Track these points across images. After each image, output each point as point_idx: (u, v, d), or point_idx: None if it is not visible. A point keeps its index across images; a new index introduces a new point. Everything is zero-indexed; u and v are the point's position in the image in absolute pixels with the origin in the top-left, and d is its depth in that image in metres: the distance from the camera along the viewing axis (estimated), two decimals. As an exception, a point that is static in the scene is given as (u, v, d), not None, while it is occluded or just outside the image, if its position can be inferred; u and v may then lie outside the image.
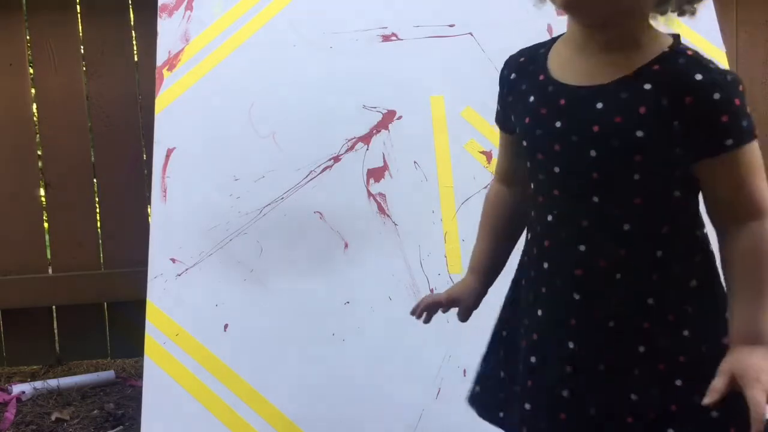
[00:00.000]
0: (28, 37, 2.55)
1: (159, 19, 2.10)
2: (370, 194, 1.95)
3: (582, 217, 1.06)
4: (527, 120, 1.10)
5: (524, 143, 1.11)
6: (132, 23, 2.59)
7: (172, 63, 2.05)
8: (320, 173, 1.95)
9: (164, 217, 1.89)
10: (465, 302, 1.24)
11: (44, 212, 2.62)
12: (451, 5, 2.13)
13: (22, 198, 2.56)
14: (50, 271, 2.60)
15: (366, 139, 1.99)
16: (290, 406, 1.72)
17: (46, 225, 2.62)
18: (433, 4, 2.14)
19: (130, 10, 2.59)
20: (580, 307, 1.06)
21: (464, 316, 1.25)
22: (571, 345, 1.07)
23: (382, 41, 2.09)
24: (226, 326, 1.79)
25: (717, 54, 2.22)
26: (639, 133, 1.00)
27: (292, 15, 2.11)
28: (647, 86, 1.01)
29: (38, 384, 2.36)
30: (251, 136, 1.98)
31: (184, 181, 1.93)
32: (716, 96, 0.98)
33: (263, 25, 2.10)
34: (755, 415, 0.90)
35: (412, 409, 1.72)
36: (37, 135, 2.59)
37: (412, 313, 1.24)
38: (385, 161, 1.97)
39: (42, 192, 2.60)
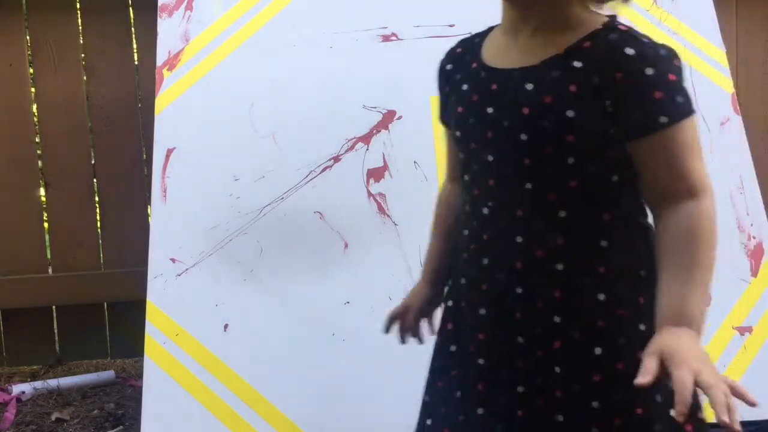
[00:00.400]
0: (28, 37, 2.55)
1: (159, 19, 2.10)
2: (370, 194, 1.95)
3: (518, 206, 1.01)
4: (460, 109, 1.06)
5: (458, 134, 1.08)
6: (132, 23, 2.59)
7: (172, 63, 2.05)
8: (320, 173, 1.95)
9: (164, 217, 1.89)
10: (413, 308, 1.19)
11: (44, 212, 2.62)
12: (451, 5, 2.13)
13: (22, 198, 2.56)
14: (50, 271, 2.60)
15: (366, 139, 1.99)
16: (290, 406, 1.72)
17: (46, 225, 2.62)
18: (433, 4, 2.14)
19: (130, 10, 2.59)
20: (524, 301, 1.01)
21: (412, 322, 1.19)
22: (520, 340, 1.02)
23: (382, 41, 2.09)
24: (226, 326, 1.79)
25: (717, 54, 2.22)
26: (570, 113, 0.95)
27: (292, 15, 2.11)
28: (577, 64, 0.96)
29: (38, 384, 2.36)
30: (251, 136, 1.98)
31: (184, 181, 1.93)
32: (648, 71, 0.93)
33: (263, 25, 2.11)
34: (680, 398, 0.87)
35: (412, 408, 1.72)
36: (37, 135, 2.59)
37: (385, 332, 1.20)
38: (385, 161, 1.97)
39: (42, 192, 2.60)
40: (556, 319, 1.00)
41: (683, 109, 0.94)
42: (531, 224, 1.00)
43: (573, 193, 0.98)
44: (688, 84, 0.96)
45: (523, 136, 0.99)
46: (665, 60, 0.94)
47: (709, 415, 1.93)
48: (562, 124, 0.96)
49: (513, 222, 1.02)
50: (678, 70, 0.95)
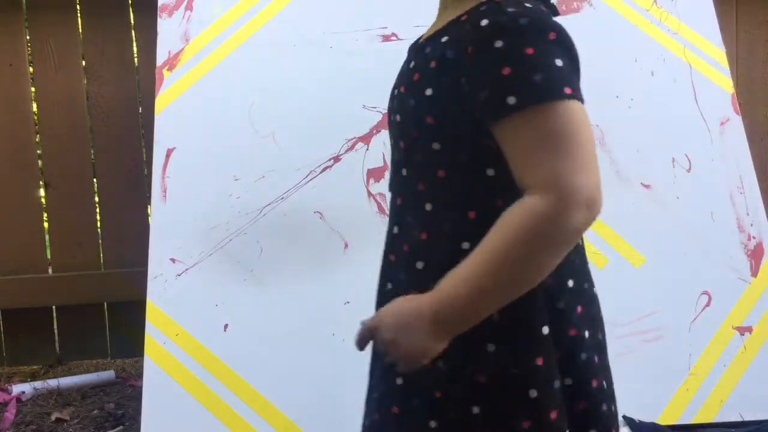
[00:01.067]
0: (28, 37, 2.55)
1: (159, 19, 2.10)
2: (370, 194, 1.95)
3: (397, 195, 0.94)
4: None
5: None
6: (132, 23, 2.59)
7: (172, 63, 2.05)
8: (320, 173, 1.95)
9: (164, 217, 1.89)
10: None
11: (44, 212, 2.62)
12: (451, 5, 2.13)
13: (22, 198, 2.56)
14: (50, 271, 2.60)
15: (366, 139, 1.99)
16: (290, 405, 1.72)
17: (46, 225, 2.62)
18: (433, 4, 2.13)
19: (130, 10, 2.59)
20: (392, 298, 0.90)
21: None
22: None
23: (382, 41, 2.09)
24: (226, 326, 1.79)
25: (717, 54, 2.22)
26: (428, 91, 0.86)
27: (292, 15, 2.11)
28: (444, 39, 0.87)
29: (38, 384, 2.36)
30: (251, 136, 1.98)
31: (184, 181, 1.93)
32: (498, 44, 0.79)
33: (263, 25, 2.10)
34: (358, 335, 0.86)
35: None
36: (37, 135, 2.59)
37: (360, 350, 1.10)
38: (385, 161, 1.97)
39: (42, 192, 2.60)
40: None
41: (541, 90, 0.78)
42: (404, 215, 0.93)
43: (441, 185, 0.87)
44: (561, 61, 0.80)
45: (397, 117, 0.92)
46: (522, 30, 0.79)
47: (709, 415, 1.94)
48: (421, 103, 0.87)
49: (394, 211, 0.95)
50: (543, 45, 0.79)
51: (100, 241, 2.60)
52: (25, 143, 2.57)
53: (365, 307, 1.82)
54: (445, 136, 0.86)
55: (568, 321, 0.87)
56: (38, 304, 2.57)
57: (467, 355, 0.84)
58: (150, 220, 2.12)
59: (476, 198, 0.86)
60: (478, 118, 0.82)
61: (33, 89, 2.59)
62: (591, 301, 0.92)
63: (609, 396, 0.91)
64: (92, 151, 2.60)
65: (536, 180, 0.78)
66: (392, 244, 0.95)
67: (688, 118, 2.13)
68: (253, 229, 1.89)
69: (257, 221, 1.90)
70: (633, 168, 2.04)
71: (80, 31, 2.57)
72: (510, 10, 0.81)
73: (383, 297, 0.97)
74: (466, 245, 0.84)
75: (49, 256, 2.60)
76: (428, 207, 0.88)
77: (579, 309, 0.88)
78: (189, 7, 2.11)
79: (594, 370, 0.88)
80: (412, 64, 0.92)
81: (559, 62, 0.79)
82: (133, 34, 2.60)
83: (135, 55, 2.60)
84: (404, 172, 0.92)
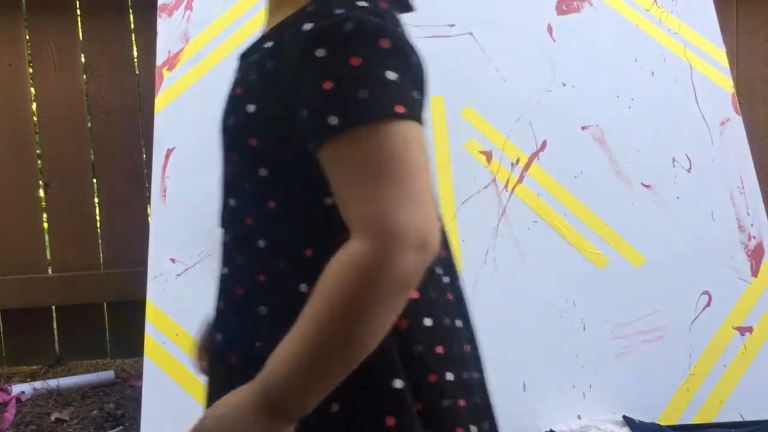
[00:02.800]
0: (28, 37, 2.55)
1: (159, 19, 2.10)
2: (370, 194, 1.94)
3: (227, 230, 0.84)
4: None
5: None
6: (132, 23, 2.59)
7: (172, 63, 2.05)
8: (320, 173, 1.95)
9: (164, 217, 1.89)
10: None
11: (44, 212, 2.62)
12: (451, 5, 2.13)
13: (22, 198, 2.56)
14: (50, 271, 2.60)
15: (366, 139, 1.99)
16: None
17: (45, 225, 2.62)
18: (433, 4, 2.13)
19: (130, 10, 2.59)
20: (221, 353, 0.82)
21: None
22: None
23: (382, 41, 2.09)
24: (226, 326, 1.79)
25: (717, 54, 2.22)
26: (250, 108, 0.75)
27: (292, 15, 2.11)
28: (268, 44, 0.75)
29: (38, 384, 2.36)
30: (251, 136, 1.98)
31: (184, 181, 1.93)
32: (320, 52, 0.67)
33: (263, 25, 2.10)
34: None
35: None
36: (37, 135, 2.59)
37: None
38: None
39: (42, 192, 2.60)
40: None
41: (366, 109, 0.65)
42: (234, 254, 0.82)
43: (272, 218, 0.75)
44: (395, 74, 0.67)
45: (224, 138, 0.82)
46: (347, 37, 0.67)
47: (710, 416, 1.94)
48: (242, 121, 0.76)
49: (224, 250, 0.84)
50: (372, 53, 0.67)
51: (99, 241, 2.60)
52: (25, 143, 2.57)
53: (365, 307, 1.82)
54: (270, 160, 0.74)
55: (426, 366, 0.75)
56: (38, 304, 2.57)
57: (312, 415, 0.70)
58: (150, 220, 2.12)
59: (312, 233, 0.74)
60: (302, 140, 0.69)
61: (33, 89, 2.59)
62: (452, 338, 0.79)
63: None
64: (92, 151, 2.60)
65: (356, 220, 0.66)
66: (223, 288, 0.84)
67: (689, 118, 2.13)
68: (253, 229, 1.89)
69: (257, 221, 1.90)
70: (633, 168, 2.04)
71: (80, 31, 2.57)
72: (337, 11, 0.68)
73: (215, 356, 0.86)
74: (303, 287, 0.72)
75: (48, 256, 2.60)
76: (261, 244, 0.76)
77: (439, 349, 0.76)
78: (189, 7, 2.11)
79: (460, 415, 0.76)
80: (238, 75, 0.80)
81: (391, 75, 0.67)
82: (133, 34, 2.60)
83: (135, 55, 2.60)
84: (232, 202, 0.81)
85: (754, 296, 1.98)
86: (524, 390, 1.81)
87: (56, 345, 2.63)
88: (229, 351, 0.80)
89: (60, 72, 2.55)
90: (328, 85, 0.66)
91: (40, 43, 2.54)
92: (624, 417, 1.80)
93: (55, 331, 2.63)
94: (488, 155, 1.99)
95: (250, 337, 0.77)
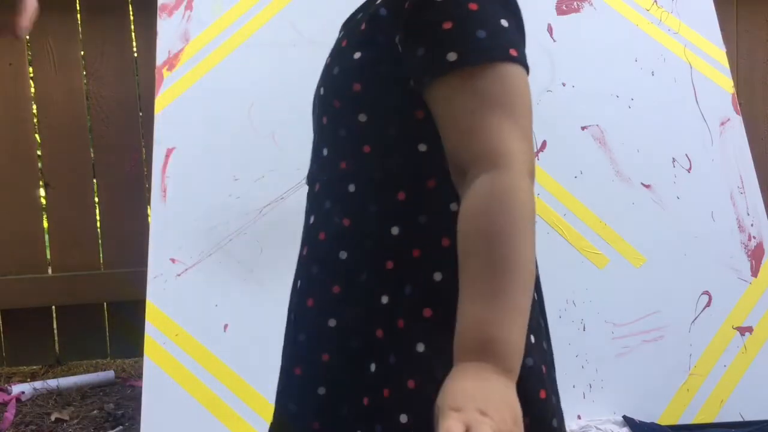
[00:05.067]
0: (27, 37, 2.55)
1: (159, 19, 2.10)
2: (370, 194, 1.94)
3: (317, 179, 0.84)
4: None
5: None
6: (132, 23, 2.59)
7: (171, 63, 2.05)
8: (320, 173, 1.95)
9: (164, 217, 1.89)
10: None
11: (44, 212, 2.62)
12: (451, 5, 2.12)
13: (22, 198, 2.55)
14: (50, 271, 2.60)
15: (366, 139, 1.99)
16: (290, 406, 1.72)
17: (45, 225, 2.62)
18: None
19: (130, 10, 2.59)
20: (301, 295, 0.84)
21: None
22: (301, 338, 0.83)
23: (382, 41, 2.09)
24: (226, 326, 1.79)
25: (717, 54, 2.22)
26: (356, 55, 0.78)
27: (292, 14, 2.11)
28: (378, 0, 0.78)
29: (38, 384, 2.36)
30: (251, 136, 1.98)
31: (184, 181, 1.93)
32: None
33: (263, 25, 2.10)
34: None
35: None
36: (37, 135, 2.58)
37: None
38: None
39: (42, 192, 2.60)
40: (331, 322, 0.78)
41: (487, 49, 0.69)
42: (322, 201, 0.82)
43: (366, 162, 0.77)
44: (507, 22, 0.73)
45: (321, 90, 0.84)
46: None
47: (710, 416, 1.94)
48: (347, 68, 0.79)
49: (310, 199, 0.85)
50: (488, 1, 0.72)
51: (99, 241, 2.60)
52: (25, 143, 2.56)
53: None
54: (373, 105, 0.77)
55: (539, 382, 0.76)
56: (38, 304, 2.56)
57: None
58: (150, 220, 2.12)
59: (406, 178, 0.75)
60: (411, 82, 0.73)
61: (33, 89, 2.59)
62: (546, 337, 0.82)
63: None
64: (92, 151, 2.60)
65: (479, 151, 0.67)
66: (307, 236, 0.84)
67: (689, 118, 2.13)
68: (253, 229, 1.89)
69: (257, 221, 1.90)
70: (633, 168, 2.04)
71: (80, 30, 2.57)
72: None
73: (294, 298, 0.88)
74: (395, 230, 0.74)
75: (48, 256, 2.60)
76: (351, 188, 0.77)
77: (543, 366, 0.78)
78: (189, 7, 2.11)
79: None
80: (342, 32, 0.85)
81: (504, 23, 0.72)
82: (133, 33, 2.60)
83: (135, 55, 2.60)
84: (324, 151, 0.81)
85: (754, 296, 1.98)
86: (524, 390, 1.81)
87: (56, 345, 2.63)
88: (309, 294, 0.82)
89: (60, 72, 2.54)
90: (447, 25, 0.70)
91: (40, 43, 2.54)
92: (624, 417, 1.80)
93: (55, 331, 2.63)
94: (488, 155, 1.99)
95: (329, 283, 0.78)
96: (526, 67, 0.73)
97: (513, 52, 0.71)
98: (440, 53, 0.70)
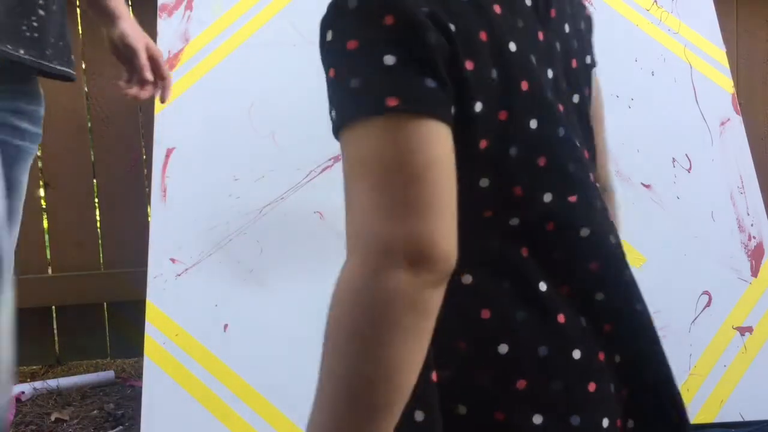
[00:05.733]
0: (27, 37, 2.55)
1: (159, 19, 2.10)
2: (370, 194, 1.94)
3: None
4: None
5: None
6: (132, 23, 2.59)
7: (171, 63, 2.05)
8: (320, 173, 1.95)
9: (164, 217, 1.89)
10: None
11: (44, 212, 2.62)
12: (451, 5, 2.12)
13: (22, 198, 2.55)
14: (50, 271, 2.60)
15: (366, 139, 1.99)
16: (290, 406, 1.72)
17: (46, 225, 2.62)
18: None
19: (130, 10, 2.58)
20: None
21: None
22: None
23: (382, 41, 2.09)
24: (225, 326, 1.79)
25: (717, 54, 2.22)
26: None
27: (292, 15, 2.11)
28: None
29: (38, 384, 2.36)
30: (251, 136, 1.98)
31: (184, 181, 1.93)
32: (328, 35, 0.60)
33: (263, 25, 2.10)
34: None
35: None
36: (37, 135, 2.58)
37: None
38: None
39: (42, 192, 2.60)
40: None
41: (356, 103, 0.57)
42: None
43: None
44: (394, 57, 0.56)
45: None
46: (349, 16, 0.58)
47: (710, 416, 1.94)
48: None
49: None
50: (372, 33, 0.56)
51: (99, 241, 2.60)
52: (25, 143, 2.56)
53: (365, 307, 1.82)
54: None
55: (493, 402, 0.63)
56: (38, 304, 2.56)
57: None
58: (150, 220, 2.12)
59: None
60: None
61: (33, 89, 2.59)
62: (551, 371, 0.65)
63: None
64: (92, 151, 2.60)
65: (346, 234, 0.57)
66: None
67: (689, 118, 2.13)
68: (253, 229, 1.89)
69: (257, 221, 1.90)
70: (633, 168, 2.04)
71: (80, 31, 2.56)
72: None
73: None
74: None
75: (48, 256, 2.60)
76: None
77: (521, 383, 0.64)
78: (189, 7, 2.11)
79: None
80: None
81: (389, 59, 0.55)
82: (133, 34, 2.59)
83: (135, 55, 2.59)
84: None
85: (754, 296, 1.98)
86: (524, 390, 1.81)
87: (56, 345, 2.63)
88: None
89: (60, 72, 2.54)
90: (331, 73, 0.60)
91: (40, 43, 2.54)
92: (624, 417, 1.80)
93: (55, 331, 2.63)
94: (488, 155, 1.99)
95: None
96: (428, 112, 0.56)
97: (390, 102, 0.55)
98: (330, 109, 0.60)
